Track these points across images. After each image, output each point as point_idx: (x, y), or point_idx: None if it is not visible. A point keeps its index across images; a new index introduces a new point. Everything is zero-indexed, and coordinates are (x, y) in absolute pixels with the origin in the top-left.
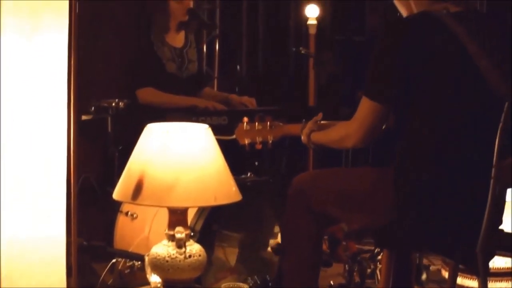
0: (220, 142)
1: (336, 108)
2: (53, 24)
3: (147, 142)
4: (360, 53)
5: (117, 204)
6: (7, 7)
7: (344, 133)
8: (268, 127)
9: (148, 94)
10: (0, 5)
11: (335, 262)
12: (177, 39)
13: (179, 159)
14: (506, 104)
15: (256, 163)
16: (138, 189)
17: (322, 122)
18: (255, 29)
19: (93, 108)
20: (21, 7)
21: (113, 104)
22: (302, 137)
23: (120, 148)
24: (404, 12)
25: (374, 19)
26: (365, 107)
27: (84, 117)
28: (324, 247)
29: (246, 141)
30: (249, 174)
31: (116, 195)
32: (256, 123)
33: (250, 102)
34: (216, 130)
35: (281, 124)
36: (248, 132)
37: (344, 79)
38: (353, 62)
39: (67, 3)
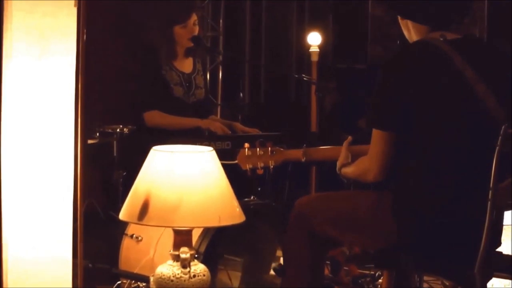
0: (224, 167)
1: (337, 134)
2: (61, 48)
3: (153, 163)
4: (361, 81)
5: (122, 228)
6: (18, 32)
7: (363, 168)
8: (269, 153)
9: (154, 117)
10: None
11: (337, 286)
12: (185, 65)
13: (184, 180)
14: (503, 127)
15: (259, 188)
16: (144, 209)
17: (356, 146)
18: (258, 56)
19: (97, 133)
20: (31, 32)
21: (118, 130)
22: (337, 169)
23: (125, 173)
24: (407, 36)
25: (375, 47)
26: (376, 138)
27: (89, 141)
28: (326, 271)
29: (248, 167)
30: (252, 197)
31: (122, 215)
32: (258, 149)
33: (254, 131)
34: (220, 155)
35: (282, 149)
36: (250, 157)
37: (345, 106)
38: (355, 89)
39: (74, 27)
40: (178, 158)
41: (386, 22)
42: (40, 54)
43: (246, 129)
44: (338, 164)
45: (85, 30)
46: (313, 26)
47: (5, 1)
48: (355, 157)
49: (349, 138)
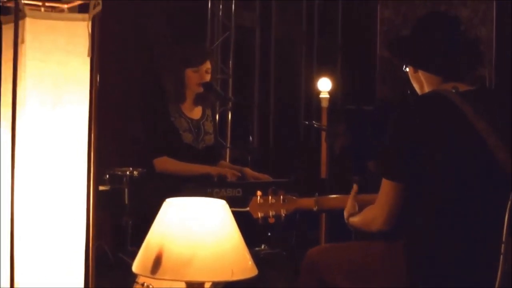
0: (234, 214)
1: (348, 178)
2: (74, 96)
3: (166, 216)
4: (370, 122)
5: (133, 275)
6: (32, 80)
7: (370, 217)
8: (281, 201)
9: (164, 163)
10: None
11: None
12: (194, 111)
13: (197, 233)
14: None
15: (269, 233)
16: (157, 263)
17: (363, 195)
18: (267, 100)
19: (107, 176)
20: (44, 80)
21: (128, 173)
22: (345, 218)
23: (135, 219)
24: (417, 88)
25: (383, 89)
26: (385, 188)
27: (101, 187)
28: None
29: (260, 215)
30: (262, 246)
31: (135, 268)
32: (270, 197)
33: (264, 177)
34: (231, 202)
35: (294, 198)
36: (262, 206)
37: (354, 147)
38: (364, 130)
39: (87, 76)
40: (191, 212)
41: (394, 64)
42: (54, 103)
43: (256, 174)
44: (345, 213)
45: (98, 79)
46: (322, 68)
47: (19, 50)
48: (362, 206)
49: (355, 187)
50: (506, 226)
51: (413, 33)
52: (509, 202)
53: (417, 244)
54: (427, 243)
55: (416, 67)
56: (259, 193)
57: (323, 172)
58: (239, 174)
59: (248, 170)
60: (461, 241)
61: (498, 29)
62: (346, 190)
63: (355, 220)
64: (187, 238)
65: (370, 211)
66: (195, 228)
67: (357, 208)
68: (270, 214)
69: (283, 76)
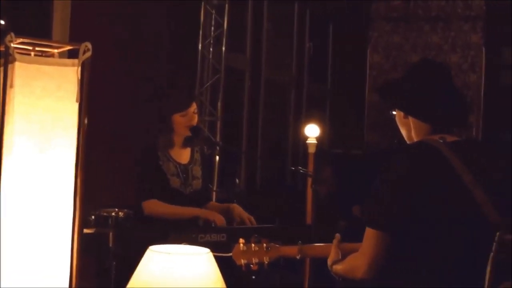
0: (219, 258)
1: (334, 224)
2: (62, 140)
3: (149, 264)
4: (357, 167)
5: None
6: (20, 126)
7: (354, 265)
8: (264, 249)
9: (153, 205)
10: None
11: None
12: (183, 155)
13: (181, 283)
14: (497, 234)
15: (254, 277)
16: None
17: (346, 244)
18: (254, 144)
19: (93, 217)
20: (32, 125)
21: (113, 214)
22: (328, 266)
23: (119, 262)
24: (404, 134)
25: (372, 134)
26: (369, 237)
27: (86, 230)
28: None
29: (243, 262)
30: None
31: None
32: (252, 245)
33: (249, 219)
34: (216, 247)
35: (277, 245)
36: (245, 253)
37: (341, 192)
38: (351, 175)
39: (75, 120)
40: (174, 260)
41: (383, 108)
42: (41, 147)
43: (243, 212)
44: (329, 261)
45: (86, 123)
46: (311, 112)
47: (8, 94)
48: (346, 254)
49: (338, 236)
50: (488, 279)
51: (406, 78)
52: (491, 255)
53: None
54: None
55: (407, 112)
56: (241, 240)
57: (309, 218)
58: (224, 223)
59: (235, 206)
60: None
61: (487, 75)
62: (331, 237)
63: (338, 267)
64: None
65: (353, 259)
66: (179, 277)
67: (340, 256)
68: (253, 261)
69: (271, 120)
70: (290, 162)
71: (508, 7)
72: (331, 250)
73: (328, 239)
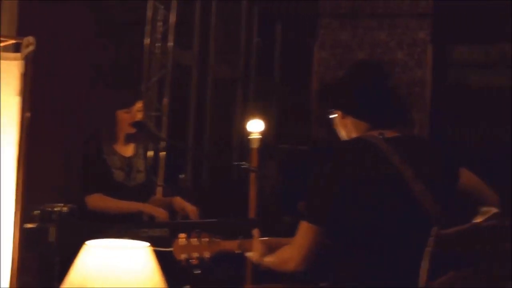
0: (162, 253)
1: (278, 219)
2: (4, 135)
3: (86, 259)
4: (303, 162)
5: None
6: None
7: (285, 256)
8: (205, 243)
9: (97, 200)
10: None
11: None
12: (127, 149)
13: (118, 277)
14: (435, 229)
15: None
16: None
17: (270, 238)
18: (201, 139)
19: (37, 212)
20: None
21: (56, 209)
22: (254, 259)
23: (62, 256)
24: (343, 135)
25: (319, 129)
26: (303, 230)
27: (28, 225)
28: None
29: (183, 257)
30: (186, 287)
31: None
32: (193, 239)
33: (192, 210)
34: (158, 241)
35: (217, 240)
36: (185, 248)
37: (286, 187)
38: (297, 170)
39: (16, 116)
40: (111, 255)
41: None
42: None
43: (185, 204)
44: (255, 255)
45: (28, 118)
46: (258, 108)
47: None
48: (271, 248)
49: (257, 231)
50: (425, 273)
51: (343, 79)
52: (428, 250)
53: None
54: (351, 286)
55: (345, 112)
56: (182, 235)
57: (252, 213)
58: (167, 219)
59: (177, 199)
60: (383, 283)
61: (434, 72)
62: (276, 231)
63: (269, 259)
64: (106, 282)
65: (286, 251)
66: (115, 271)
67: (266, 250)
68: (194, 256)
69: (218, 115)
70: (237, 158)
71: (455, 4)
72: (274, 244)
73: (273, 234)
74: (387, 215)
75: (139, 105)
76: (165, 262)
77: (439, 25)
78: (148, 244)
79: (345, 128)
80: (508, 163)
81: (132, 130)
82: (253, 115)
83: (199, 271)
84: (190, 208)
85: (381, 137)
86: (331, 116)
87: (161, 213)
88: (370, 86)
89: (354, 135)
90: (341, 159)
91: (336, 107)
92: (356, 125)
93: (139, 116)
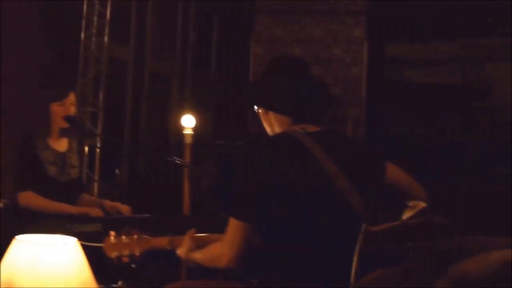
0: (94, 249)
1: (214, 215)
2: None
3: (15, 255)
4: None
5: None
6: None
7: (216, 253)
8: (135, 241)
9: (28, 198)
10: None
11: None
12: (60, 144)
13: (47, 273)
14: (364, 225)
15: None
16: None
17: (200, 235)
18: (137, 134)
19: None
20: None
21: None
22: (181, 255)
23: None
24: (268, 130)
25: (256, 125)
26: (232, 227)
27: None
28: None
29: (113, 254)
30: (119, 282)
31: None
32: (123, 237)
33: (123, 208)
34: (91, 237)
35: (147, 237)
36: (115, 245)
37: (222, 183)
38: (234, 166)
39: None
40: (39, 251)
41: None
42: None
43: (116, 205)
44: (183, 251)
45: None
46: (195, 103)
47: None
48: (200, 245)
49: (193, 230)
50: (354, 270)
51: (263, 75)
52: (357, 246)
53: (270, 284)
54: (279, 283)
55: (267, 108)
56: (112, 233)
57: (186, 209)
58: (101, 214)
59: (107, 202)
60: (312, 281)
61: (370, 69)
62: (212, 227)
63: (198, 255)
64: (34, 277)
65: (217, 247)
66: (43, 267)
67: (194, 246)
68: (124, 253)
69: (155, 111)
70: (173, 153)
71: (391, 2)
72: (202, 241)
73: (207, 230)
74: (312, 211)
75: (72, 97)
76: (98, 257)
77: (375, 23)
78: (76, 239)
79: (269, 123)
80: (442, 159)
81: (66, 124)
82: (189, 110)
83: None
84: (122, 207)
85: (303, 132)
86: (255, 112)
87: (96, 212)
88: (289, 81)
89: (278, 130)
90: (264, 155)
91: (256, 104)
92: (279, 120)
93: (72, 109)
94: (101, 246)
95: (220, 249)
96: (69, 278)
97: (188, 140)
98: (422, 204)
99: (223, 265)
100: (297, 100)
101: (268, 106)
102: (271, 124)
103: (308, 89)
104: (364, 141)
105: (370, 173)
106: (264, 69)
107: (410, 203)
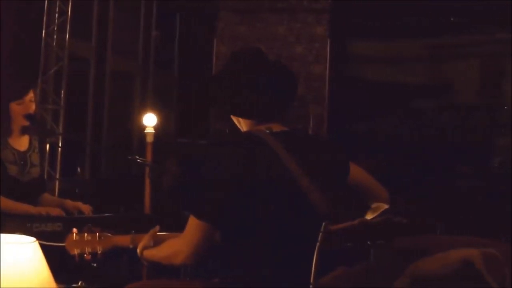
0: (54, 248)
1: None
2: None
3: None
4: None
5: None
6: None
7: (172, 250)
8: (97, 238)
9: None
10: None
11: None
12: (21, 143)
13: (5, 272)
14: (323, 224)
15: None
16: None
17: (161, 233)
18: (99, 132)
19: None
20: None
21: None
22: (138, 252)
23: None
24: (237, 124)
25: (219, 123)
26: (192, 225)
27: None
28: None
29: (76, 252)
30: (80, 283)
31: None
32: (85, 234)
33: (85, 208)
34: (51, 237)
35: (110, 235)
36: (77, 243)
37: (186, 182)
38: (196, 165)
39: None
40: None
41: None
42: None
43: (77, 204)
44: (140, 247)
45: None
46: (158, 102)
47: None
48: (158, 242)
49: (157, 227)
50: (314, 268)
51: (220, 76)
52: (317, 245)
53: (231, 283)
54: (240, 282)
55: (227, 113)
56: (74, 230)
57: (147, 208)
58: (62, 213)
59: (68, 202)
60: (273, 280)
61: (332, 67)
62: (173, 227)
63: (154, 252)
64: None
65: (173, 245)
66: (1, 266)
67: (151, 243)
68: (86, 251)
69: (117, 109)
70: (135, 152)
71: (354, 0)
72: (144, 238)
73: (170, 229)
74: (274, 211)
75: (31, 94)
76: (59, 257)
77: (338, 21)
78: (35, 239)
79: (237, 121)
80: (405, 157)
81: (26, 123)
82: (151, 109)
83: (95, 265)
84: (84, 206)
85: (268, 131)
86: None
87: (57, 212)
88: (248, 81)
89: (245, 128)
90: (229, 156)
91: (219, 109)
92: (242, 120)
93: (32, 106)
94: (62, 246)
95: (178, 246)
96: (27, 277)
97: (149, 139)
98: (384, 206)
99: (179, 262)
100: (258, 101)
101: (230, 112)
102: (239, 122)
103: (268, 88)
104: (328, 140)
105: (333, 172)
106: (223, 67)
107: (373, 205)
